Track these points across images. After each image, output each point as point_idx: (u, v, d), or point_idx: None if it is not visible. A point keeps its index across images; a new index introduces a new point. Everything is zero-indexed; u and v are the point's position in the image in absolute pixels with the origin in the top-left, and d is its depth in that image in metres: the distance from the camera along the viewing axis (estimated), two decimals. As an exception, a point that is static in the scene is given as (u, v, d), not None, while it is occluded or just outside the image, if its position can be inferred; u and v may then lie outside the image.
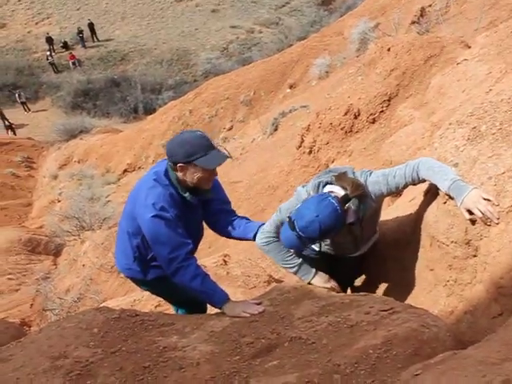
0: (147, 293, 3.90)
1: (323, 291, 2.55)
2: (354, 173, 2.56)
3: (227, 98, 17.07)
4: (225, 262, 4.64)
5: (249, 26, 33.57)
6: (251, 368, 1.87)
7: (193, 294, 2.53)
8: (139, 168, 17.18)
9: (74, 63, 31.25)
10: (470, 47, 4.80)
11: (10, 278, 9.79)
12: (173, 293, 2.88)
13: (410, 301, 2.55)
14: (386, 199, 3.31)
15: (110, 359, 1.96)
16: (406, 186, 2.50)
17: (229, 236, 2.95)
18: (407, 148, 3.87)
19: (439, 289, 2.45)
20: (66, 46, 32.10)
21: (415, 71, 5.58)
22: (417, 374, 1.44)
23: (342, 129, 6.30)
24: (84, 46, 32.56)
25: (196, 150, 2.45)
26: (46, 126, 24.74)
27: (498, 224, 2.07)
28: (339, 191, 2.46)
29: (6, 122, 25.32)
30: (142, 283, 2.96)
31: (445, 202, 2.33)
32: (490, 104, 2.42)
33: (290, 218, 2.45)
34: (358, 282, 3.17)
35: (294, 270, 2.74)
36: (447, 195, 2.28)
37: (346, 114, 6.22)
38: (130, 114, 27.36)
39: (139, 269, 2.79)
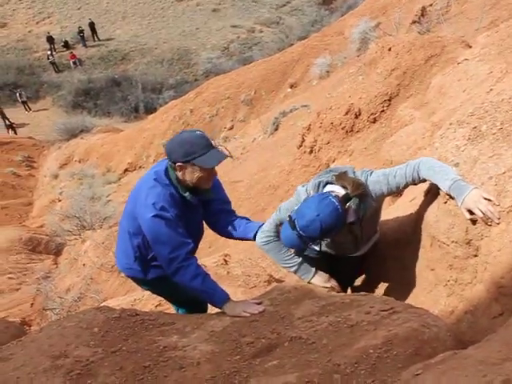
0: (148, 292, 3.91)
1: (323, 291, 2.55)
2: (354, 172, 2.56)
3: (228, 98, 17.07)
4: (225, 261, 4.64)
5: (249, 26, 33.57)
6: (251, 368, 1.87)
7: (193, 294, 2.53)
8: (140, 167, 17.19)
9: (74, 62, 31.28)
10: (470, 47, 4.79)
11: (10, 278, 9.80)
12: (173, 292, 2.88)
13: (410, 301, 2.55)
14: (387, 199, 3.31)
15: (111, 359, 1.96)
16: (406, 185, 2.50)
17: (229, 236, 2.95)
18: (408, 148, 3.87)
19: (440, 288, 2.45)
20: (66, 45, 32.11)
21: (416, 71, 5.57)
22: (417, 374, 1.44)
23: (342, 128, 6.30)
24: (85, 46, 32.57)
25: (195, 150, 2.45)
26: (47, 126, 24.76)
27: (498, 224, 2.07)
28: (340, 190, 2.46)
29: (7, 122, 25.32)
30: (143, 283, 2.96)
31: (445, 202, 2.33)
32: (491, 104, 2.42)
33: (290, 217, 2.45)
34: (359, 281, 3.17)
35: (294, 269, 2.74)
36: (448, 195, 2.27)
37: (346, 113, 6.22)
38: (131, 114, 27.38)
39: (140, 268, 2.79)
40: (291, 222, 2.42)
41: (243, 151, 11.51)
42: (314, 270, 2.71)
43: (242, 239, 2.95)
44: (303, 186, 2.64)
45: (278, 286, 2.66)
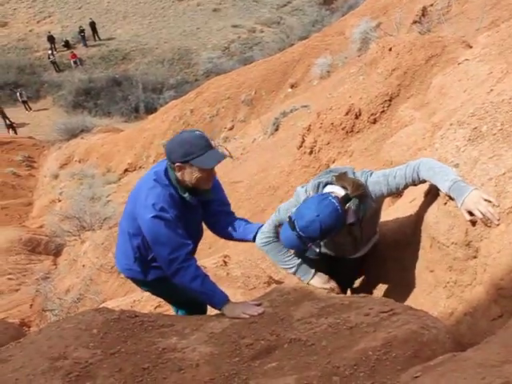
0: (147, 293, 3.90)
1: (323, 292, 2.54)
2: (354, 173, 2.55)
3: (228, 98, 17.07)
4: (225, 262, 4.64)
5: (250, 26, 33.58)
6: (250, 369, 1.87)
7: (193, 295, 2.53)
8: (140, 167, 17.19)
9: (75, 62, 31.29)
10: (471, 47, 4.79)
11: (9, 278, 9.79)
12: (173, 293, 2.87)
13: (409, 302, 2.54)
14: (387, 200, 3.30)
15: (110, 360, 1.96)
16: (406, 186, 2.50)
17: (228, 237, 2.94)
18: (408, 148, 3.86)
19: (439, 290, 2.45)
20: (67, 44, 32.13)
21: (416, 71, 5.57)
22: (416, 376, 1.44)
23: (342, 129, 6.29)
24: (85, 45, 32.59)
25: (194, 150, 2.45)
26: (47, 125, 24.76)
27: (498, 225, 2.07)
28: (340, 191, 2.46)
29: (7, 121, 25.35)
30: (143, 284, 2.96)
31: (445, 203, 2.33)
32: (491, 104, 2.41)
33: (290, 217, 2.45)
34: (358, 282, 3.16)
35: (293, 270, 2.74)
36: (448, 196, 2.27)
37: (347, 113, 6.21)
38: (131, 114, 27.38)
39: (140, 269, 2.78)
40: (291, 222, 2.42)
41: (243, 151, 11.51)
42: (313, 271, 2.71)
43: (241, 240, 2.95)
44: (303, 187, 2.64)
45: (277, 288, 2.66)
